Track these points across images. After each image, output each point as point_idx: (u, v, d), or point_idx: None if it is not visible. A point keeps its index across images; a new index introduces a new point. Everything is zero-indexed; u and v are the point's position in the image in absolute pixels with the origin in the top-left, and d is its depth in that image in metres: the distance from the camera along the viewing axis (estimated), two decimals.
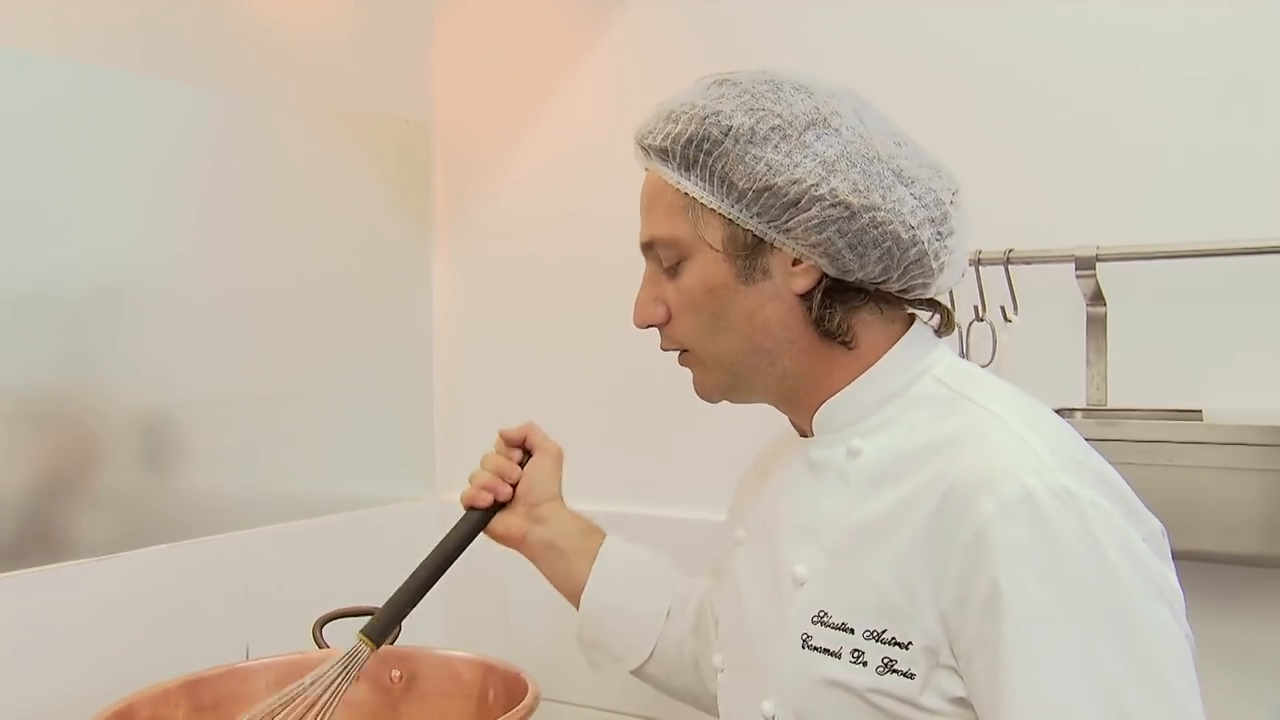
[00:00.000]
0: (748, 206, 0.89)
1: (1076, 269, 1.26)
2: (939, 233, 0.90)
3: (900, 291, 0.92)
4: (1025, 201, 1.32)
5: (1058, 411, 0.93)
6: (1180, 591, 0.81)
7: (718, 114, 0.89)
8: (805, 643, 0.88)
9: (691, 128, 0.90)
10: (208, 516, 1.48)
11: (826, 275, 0.90)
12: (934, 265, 0.91)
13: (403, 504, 1.78)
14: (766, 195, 0.88)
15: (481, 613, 1.78)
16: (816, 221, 0.87)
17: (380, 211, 1.76)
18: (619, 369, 1.68)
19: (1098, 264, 1.25)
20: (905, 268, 0.90)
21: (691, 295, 0.93)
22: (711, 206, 0.90)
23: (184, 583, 1.44)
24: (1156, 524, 0.84)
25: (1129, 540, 0.79)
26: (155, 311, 1.43)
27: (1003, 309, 1.31)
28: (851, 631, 0.85)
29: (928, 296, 0.95)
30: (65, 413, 1.33)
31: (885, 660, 0.83)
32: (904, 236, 0.88)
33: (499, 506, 1.19)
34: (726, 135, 0.89)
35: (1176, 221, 1.24)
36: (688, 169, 0.91)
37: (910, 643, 0.82)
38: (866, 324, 0.93)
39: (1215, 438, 1.12)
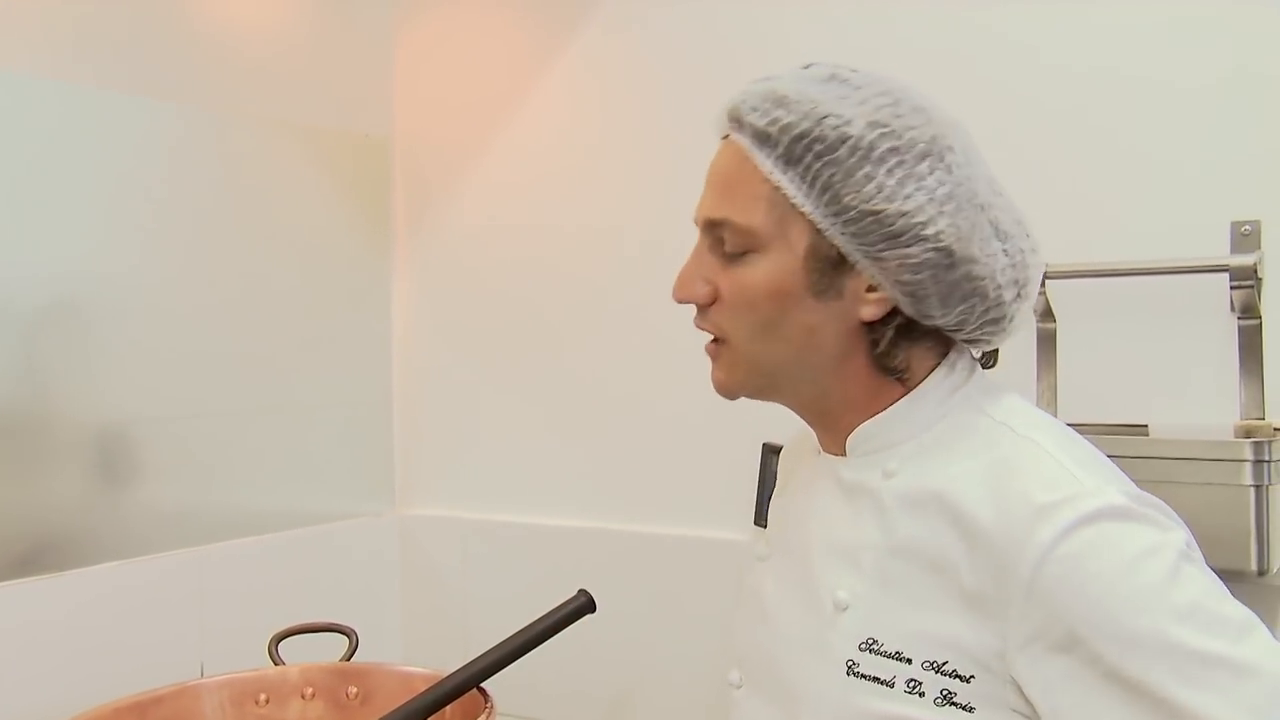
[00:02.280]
0: (846, 224, 0.83)
1: None
2: (1019, 295, 0.87)
3: (966, 340, 0.89)
4: None
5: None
6: None
7: (837, 116, 0.83)
8: (851, 669, 0.85)
9: (806, 123, 0.83)
10: (163, 532, 1.47)
11: (899, 311, 0.86)
12: (1007, 326, 0.88)
13: (362, 519, 1.78)
14: (870, 220, 0.82)
15: (440, 628, 1.77)
16: (915, 261, 0.82)
17: (339, 226, 1.76)
18: (579, 383, 1.68)
19: (1047, 281, 1.27)
20: (981, 324, 0.87)
21: (752, 292, 0.87)
22: (803, 210, 0.84)
23: (137, 599, 1.42)
24: (1198, 549, 0.82)
25: (1186, 546, 0.79)
26: (110, 326, 1.41)
27: None
28: (909, 661, 0.82)
29: (990, 349, 0.92)
30: (18, 427, 1.32)
31: (944, 692, 0.81)
32: (990, 294, 0.85)
33: (584, 610, 1.17)
34: (842, 143, 0.82)
35: (1124, 240, 1.27)
36: (789, 164, 0.84)
37: (973, 676, 0.80)
38: (921, 360, 0.89)
39: (1161, 452, 1.14)
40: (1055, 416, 1.28)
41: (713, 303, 0.89)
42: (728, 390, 0.93)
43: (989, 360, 0.94)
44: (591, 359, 1.67)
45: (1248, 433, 1.18)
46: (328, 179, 1.73)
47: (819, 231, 0.84)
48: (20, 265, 1.32)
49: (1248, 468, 1.10)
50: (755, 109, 0.86)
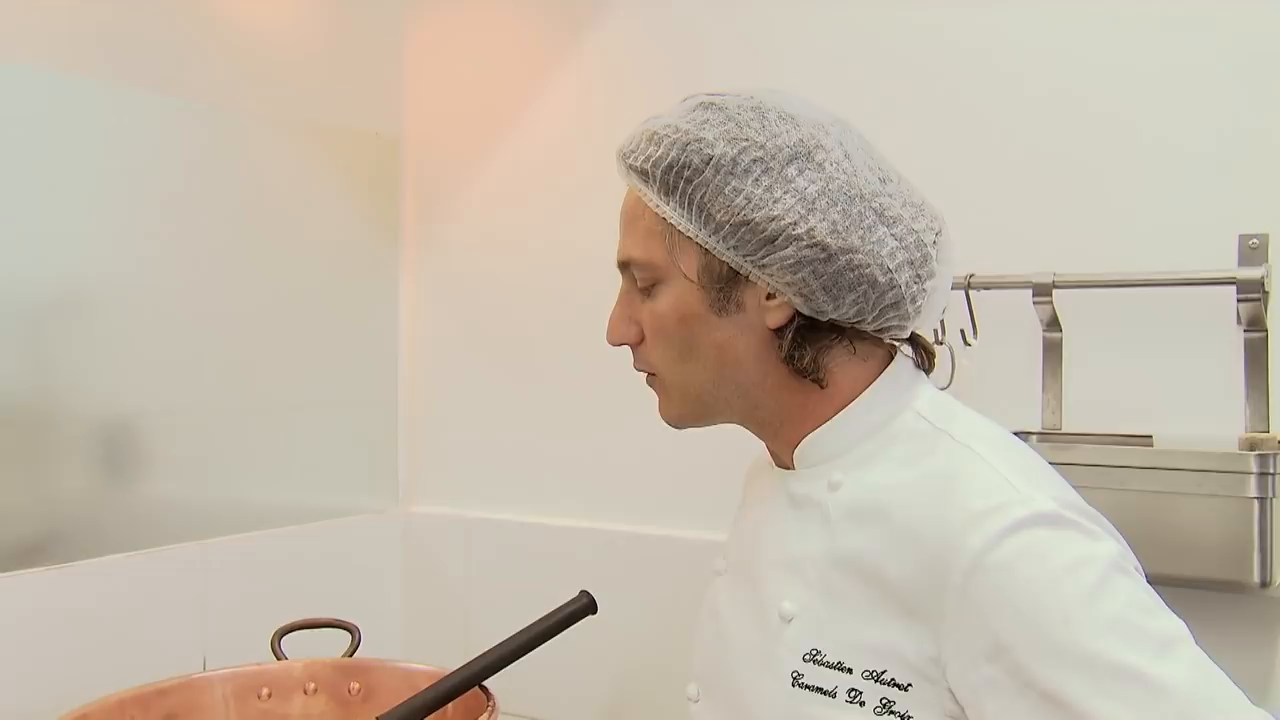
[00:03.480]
0: (724, 239, 0.87)
1: (1034, 295, 1.28)
2: (918, 275, 0.89)
3: (876, 331, 0.91)
4: (985, 228, 1.35)
5: (1014, 435, 0.95)
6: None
7: (700, 141, 0.88)
8: (796, 680, 0.87)
9: (673, 153, 0.89)
10: (168, 525, 1.47)
11: (800, 313, 0.89)
12: (910, 309, 0.90)
13: (366, 516, 1.78)
14: (744, 230, 0.86)
15: (442, 625, 1.78)
16: (792, 261, 0.86)
17: (349, 225, 1.76)
18: (585, 384, 1.69)
19: (1054, 291, 1.28)
20: (881, 310, 0.89)
21: (663, 321, 0.92)
22: (688, 235, 0.89)
23: (142, 592, 1.43)
24: (1134, 560, 0.83)
25: (1118, 557, 0.79)
26: (118, 321, 1.42)
27: (963, 333, 1.33)
28: (849, 671, 0.84)
29: (904, 337, 0.94)
30: (25, 420, 1.33)
31: (884, 701, 0.82)
32: (880, 280, 0.87)
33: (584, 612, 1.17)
34: (707, 164, 0.87)
35: (1131, 251, 1.27)
36: (667, 194, 0.89)
37: (910, 685, 0.81)
38: (841, 362, 0.91)
39: (1164, 463, 1.15)
40: (1060, 426, 1.30)
41: (641, 341, 0.96)
42: (672, 421, 0.98)
43: (927, 363, 0.96)
44: (597, 359, 1.67)
45: (1252, 445, 1.18)
46: (337, 177, 1.74)
47: (706, 251, 0.89)
48: (29, 259, 1.33)
49: (1252, 480, 1.10)
50: (633, 151, 0.93)
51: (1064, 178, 1.33)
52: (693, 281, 0.90)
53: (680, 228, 0.89)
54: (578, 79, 1.70)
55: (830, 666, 0.85)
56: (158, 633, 1.44)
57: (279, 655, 1.34)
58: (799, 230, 0.85)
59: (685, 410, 0.96)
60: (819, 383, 0.91)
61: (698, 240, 0.89)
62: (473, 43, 1.81)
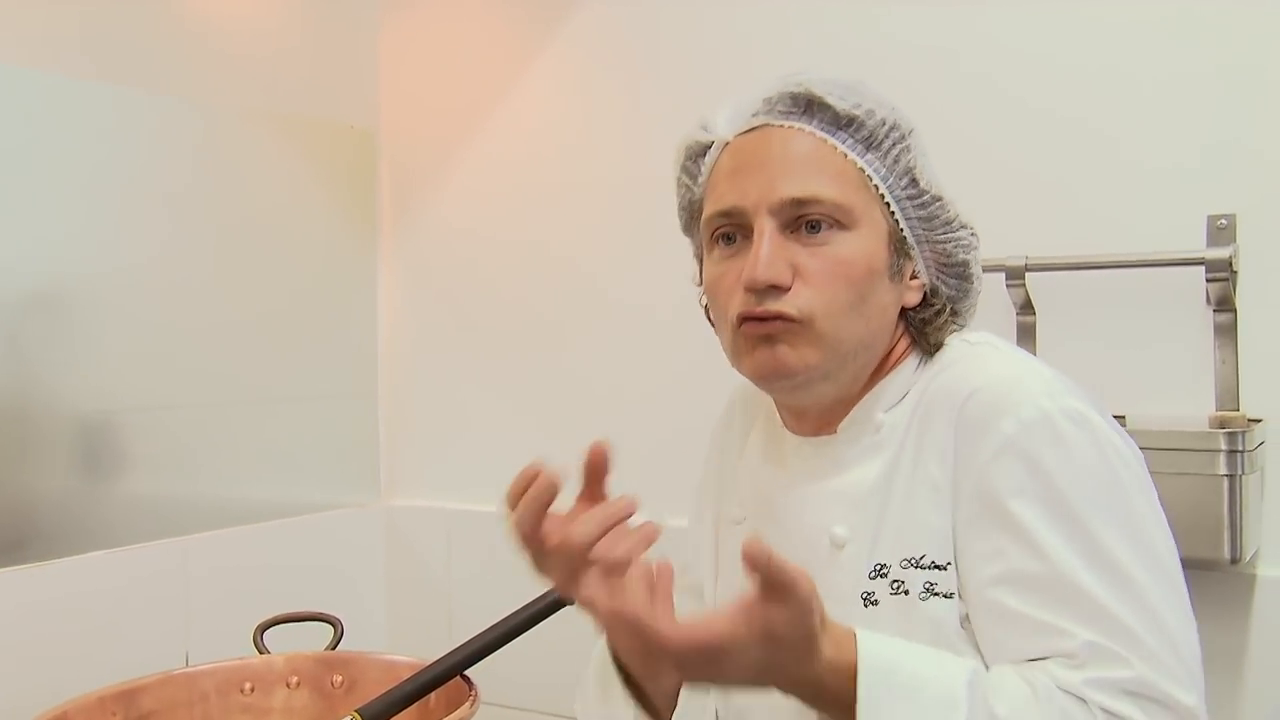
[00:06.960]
0: (919, 208, 0.89)
1: (1007, 279, 1.29)
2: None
3: (957, 323, 0.95)
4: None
5: None
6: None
7: (900, 111, 0.90)
8: (867, 601, 0.87)
9: (883, 111, 0.88)
10: (148, 522, 1.47)
11: (932, 295, 0.92)
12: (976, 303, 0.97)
13: (347, 509, 1.78)
14: (937, 205, 0.90)
15: (424, 616, 1.78)
16: (965, 242, 0.91)
17: (325, 217, 1.76)
18: (563, 375, 1.69)
19: (1027, 274, 1.29)
20: (973, 300, 0.95)
21: (849, 268, 0.86)
22: (882, 193, 0.88)
23: (123, 588, 1.42)
24: (1139, 451, 0.88)
25: (1131, 457, 0.84)
26: (94, 316, 1.41)
27: None
28: (889, 567, 0.86)
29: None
30: (3, 417, 1.32)
31: (926, 585, 0.84)
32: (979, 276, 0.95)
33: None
34: (911, 132, 0.90)
35: (1102, 233, 1.28)
36: (868, 148, 0.88)
37: (949, 563, 0.83)
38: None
39: (1137, 443, 1.16)
40: None
41: (789, 287, 0.86)
42: (793, 372, 0.88)
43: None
44: (576, 351, 1.68)
45: (1222, 423, 1.19)
46: (313, 170, 1.73)
47: (891, 214, 0.89)
48: (3, 256, 1.32)
49: (1221, 458, 1.12)
50: (831, 94, 0.88)
51: (1034, 161, 1.33)
52: (882, 238, 0.88)
53: (875, 183, 0.88)
54: (553, 71, 1.70)
55: (884, 577, 0.87)
56: (139, 629, 1.43)
57: (261, 649, 1.34)
58: (965, 219, 0.92)
59: (821, 365, 0.88)
60: (931, 353, 0.93)
61: (889, 200, 0.88)
62: (448, 35, 1.80)
